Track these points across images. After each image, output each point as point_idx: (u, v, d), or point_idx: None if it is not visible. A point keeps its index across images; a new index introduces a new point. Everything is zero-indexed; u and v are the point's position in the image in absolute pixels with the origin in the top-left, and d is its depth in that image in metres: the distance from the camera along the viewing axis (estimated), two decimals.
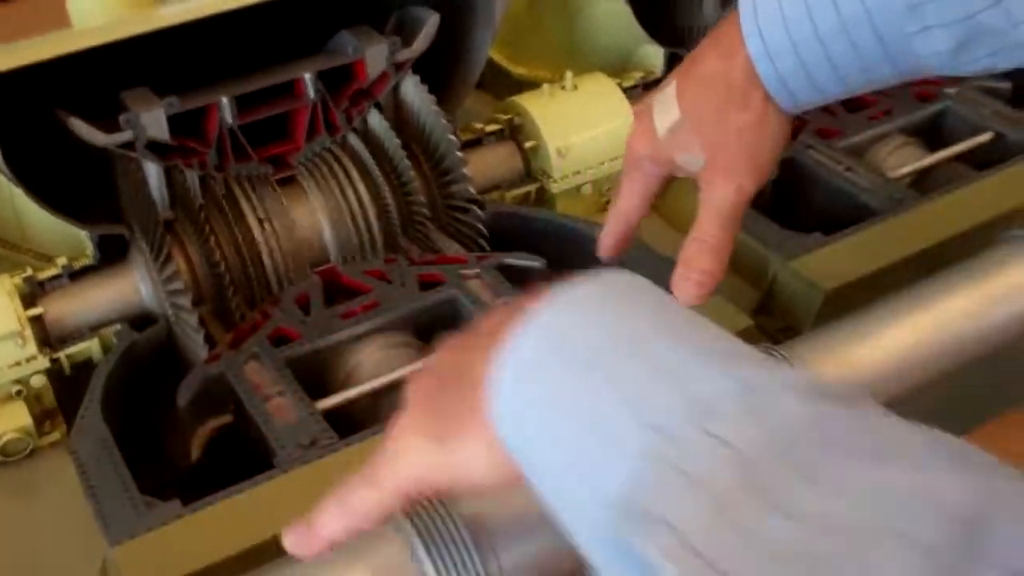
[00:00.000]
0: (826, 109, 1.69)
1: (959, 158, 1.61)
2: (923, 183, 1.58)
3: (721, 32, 0.94)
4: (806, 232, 1.43)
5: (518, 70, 1.87)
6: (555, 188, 1.56)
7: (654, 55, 1.67)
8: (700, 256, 0.89)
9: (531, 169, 1.58)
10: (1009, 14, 0.82)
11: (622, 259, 1.14)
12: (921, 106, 1.68)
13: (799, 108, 0.96)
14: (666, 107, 0.88)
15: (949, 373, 1.27)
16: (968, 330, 1.28)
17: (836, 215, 1.52)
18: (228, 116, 1.36)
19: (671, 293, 0.95)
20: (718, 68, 0.88)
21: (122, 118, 1.30)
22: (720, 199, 0.89)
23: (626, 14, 1.63)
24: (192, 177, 1.39)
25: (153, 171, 1.36)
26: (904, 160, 1.60)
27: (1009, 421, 1.33)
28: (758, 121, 0.89)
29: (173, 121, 1.33)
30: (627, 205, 1.01)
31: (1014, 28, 0.83)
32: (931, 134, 1.67)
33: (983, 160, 1.58)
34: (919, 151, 1.63)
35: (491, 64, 1.91)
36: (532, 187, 1.58)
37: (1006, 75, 1.72)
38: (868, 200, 1.48)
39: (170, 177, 1.38)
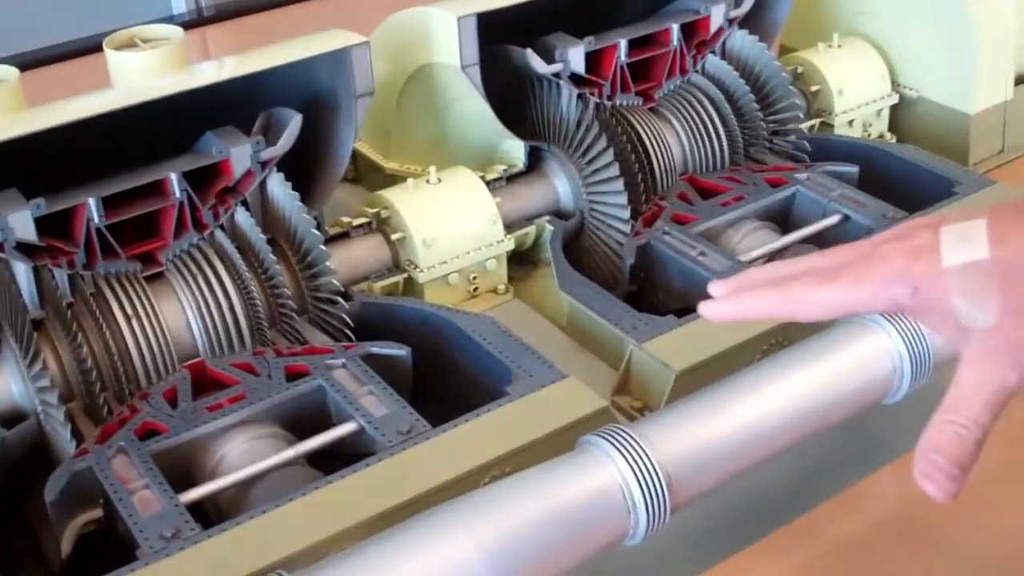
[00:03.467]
0: (682, 196, 1.77)
1: (809, 240, 1.68)
2: None
3: None
4: (661, 315, 1.50)
5: (389, 165, 1.93)
6: (422, 278, 1.61)
7: (516, 149, 1.74)
8: (960, 448, 0.69)
9: (399, 260, 1.64)
10: None
11: None
12: (772, 191, 1.76)
13: None
14: (967, 241, 0.71)
15: (795, 446, 1.33)
16: (812, 404, 1.35)
17: (690, 298, 1.59)
18: (95, 216, 1.39)
19: None
20: None
21: None
22: (999, 381, 0.69)
23: (488, 112, 1.69)
24: (61, 276, 1.41)
25: (22, 271, 1.39)
26: (756, 243, 1.68)
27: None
28: None
29: (41, 222, 1.36)
30: (849, 298, 0.76)
31: None
32: (782, 218, 1.76)
33: (832, 241, 1.66)
34: (771, 234, 1.71)
35: (364, 159, 1.98)
36: (400, 277, 1.63)
37: (853, 160, 1.81)
38: None
39: (39, 276, 1.40)
